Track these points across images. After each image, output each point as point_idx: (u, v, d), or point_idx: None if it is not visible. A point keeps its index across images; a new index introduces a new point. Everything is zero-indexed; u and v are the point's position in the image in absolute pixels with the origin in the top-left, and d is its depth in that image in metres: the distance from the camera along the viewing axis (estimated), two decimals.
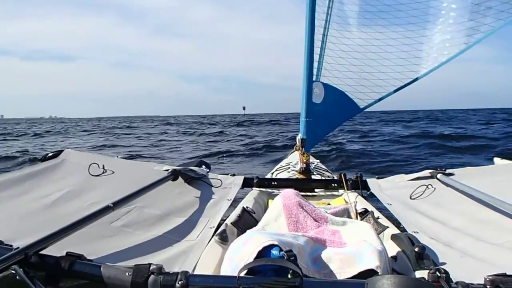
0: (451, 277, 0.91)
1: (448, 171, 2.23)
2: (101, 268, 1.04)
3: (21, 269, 1.03)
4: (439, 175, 2.15)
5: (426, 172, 2.26)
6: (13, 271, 1.03)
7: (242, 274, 0.97)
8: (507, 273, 0.92)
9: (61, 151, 2.32)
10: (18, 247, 1.06)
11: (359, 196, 2.32)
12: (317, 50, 2.92)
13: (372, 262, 1.08)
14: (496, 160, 3.22)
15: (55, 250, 1.13)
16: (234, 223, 1.67)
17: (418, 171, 2.38)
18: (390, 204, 1.99)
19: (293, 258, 0.99)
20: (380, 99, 2.97)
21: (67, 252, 1.09)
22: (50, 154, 2.26)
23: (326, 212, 1.61)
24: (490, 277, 0.91)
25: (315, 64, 2.92)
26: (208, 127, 26.99)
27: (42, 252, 1.10)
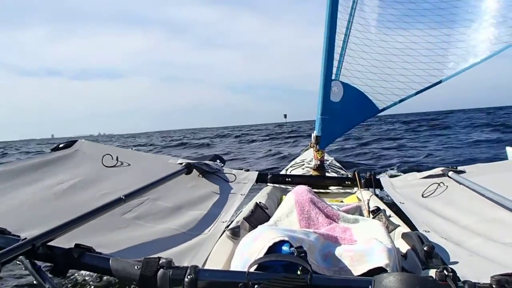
0: (459, 276, 0.90)
1: (459, 168, 2.21)
2: (110, 261, 1.03)
3: (28, 260, 1.03)
4: (450, 173, 2.14)
5: (438, 170, 2.25)
6: (19, 262, 1.03)
7: (252, 270, 0.97)
8: None
9: (75, 141, 2.28)
10: (25, 238, 1.05)
11: (373, 194, 2.31)
12: (338, 50, 2.90)
13: (381, 260, 1.08)
14: (509, 149, 3.15)
15: (65, 241, 1.12)
16: (246, 218, 1.68)
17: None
18: (403, 203, 1.98)
19: (303, 254, 0.99)
20: (400, 101, 2.94)
21: (75, 244, 1.09)
22: (62, 144, 2.20)
23: (338, 210, 1.61)
24: (496, 277, 0.90)
25: (335, 63, 2.90)
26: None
27: (51, 243, 1.09)
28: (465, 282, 0.91)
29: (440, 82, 2.82)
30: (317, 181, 2.75)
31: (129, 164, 2.15)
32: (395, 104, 2.95)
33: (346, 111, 2.93)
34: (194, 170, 2.23)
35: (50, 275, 1.05)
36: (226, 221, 1.71)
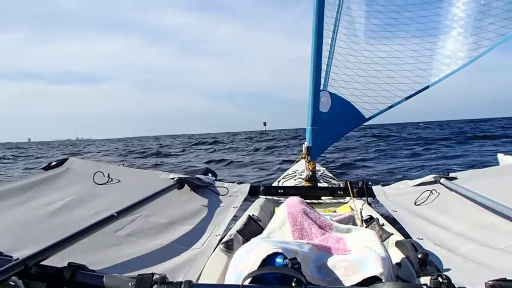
0: (453, 282, 0.91)
1: (451, 174, 2.23)
2: (104, 279, 1.03)
3: (21, 281, 1.02)
4: (442, 180, 2.14)
5: (430, 177, 2.26)
6: (13, 283, 1.02)
7: (246, 283, 0.96)
8: (507, 278, 0.92)
9: (66, 159, 2.27)
10: (18, 258, 1.04)
11: (365, 203, 2.32)
12: (324, 60, 2.94)
13: (376, 269, 1.07)
14: (500, 156, 3.17)
15: (57, 260, 1.11)
16: (239, 231, 1.67)
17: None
18: (395, 211, 1.99)
19: (297, 266, 0.99)
20: (386, 109, 2.98)
21: (68, 263, 1.08)
22: (54, 163, 2.20)
23: (331, 220, 1.61)
24: (491, 283, 0.90)
25: (323, 74, 2.94)
26: None
27: (44, 262, 1.08)
28: None
29: (426, 88, 2.87)
30: (310, 191, 2.76)
31: (120, 181, 2.14)
32: (381, 112, 2.99)
33: (334, 121, 2.96)
34: (186, 185, 2.22)
35: None
36: (219, 234, 1.70)
